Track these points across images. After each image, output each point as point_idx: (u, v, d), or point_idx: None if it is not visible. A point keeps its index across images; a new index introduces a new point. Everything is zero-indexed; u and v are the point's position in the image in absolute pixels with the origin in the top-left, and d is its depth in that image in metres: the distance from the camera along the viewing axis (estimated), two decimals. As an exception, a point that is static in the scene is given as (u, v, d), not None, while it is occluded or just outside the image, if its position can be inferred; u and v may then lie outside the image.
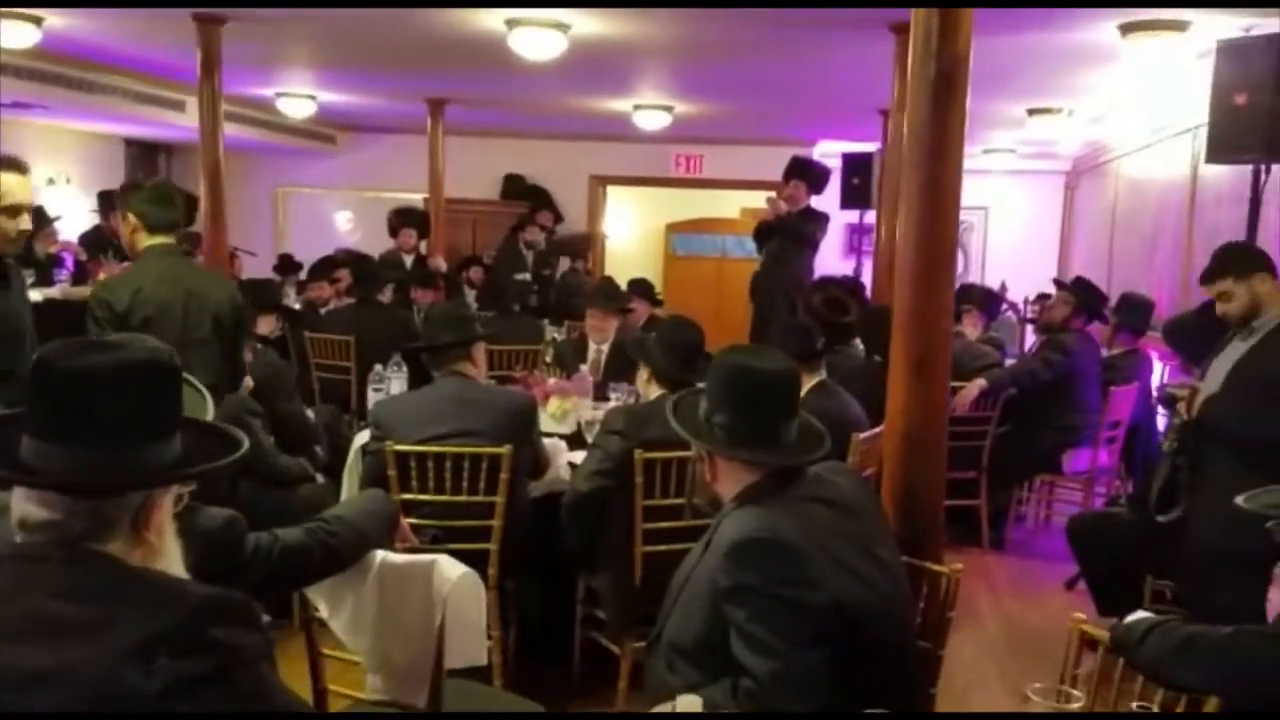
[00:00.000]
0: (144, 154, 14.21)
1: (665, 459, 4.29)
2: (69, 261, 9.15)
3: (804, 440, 2.85)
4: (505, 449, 4.41)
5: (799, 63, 8.40)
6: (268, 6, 7.24)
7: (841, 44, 7.59)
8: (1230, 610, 2.93)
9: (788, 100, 10.48)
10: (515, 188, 14.52)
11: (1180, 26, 6.52)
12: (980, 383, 7.02)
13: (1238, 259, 4.58)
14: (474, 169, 13.79)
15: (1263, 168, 5.65)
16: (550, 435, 5.29)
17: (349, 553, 2.82)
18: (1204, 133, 6.05)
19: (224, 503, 2.63)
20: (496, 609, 4.44)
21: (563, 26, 7.38)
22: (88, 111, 10.62)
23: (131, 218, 4.71)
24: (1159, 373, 8.30)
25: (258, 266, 11.91)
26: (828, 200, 10.04)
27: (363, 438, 5.16)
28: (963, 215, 3.76)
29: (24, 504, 1.77)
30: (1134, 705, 2.81)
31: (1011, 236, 14.39)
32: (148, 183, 4.96)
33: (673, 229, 16.22)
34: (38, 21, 7.89)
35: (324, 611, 2.92)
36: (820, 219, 9.48)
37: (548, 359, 7.35)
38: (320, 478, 5.63)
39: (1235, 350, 4.52)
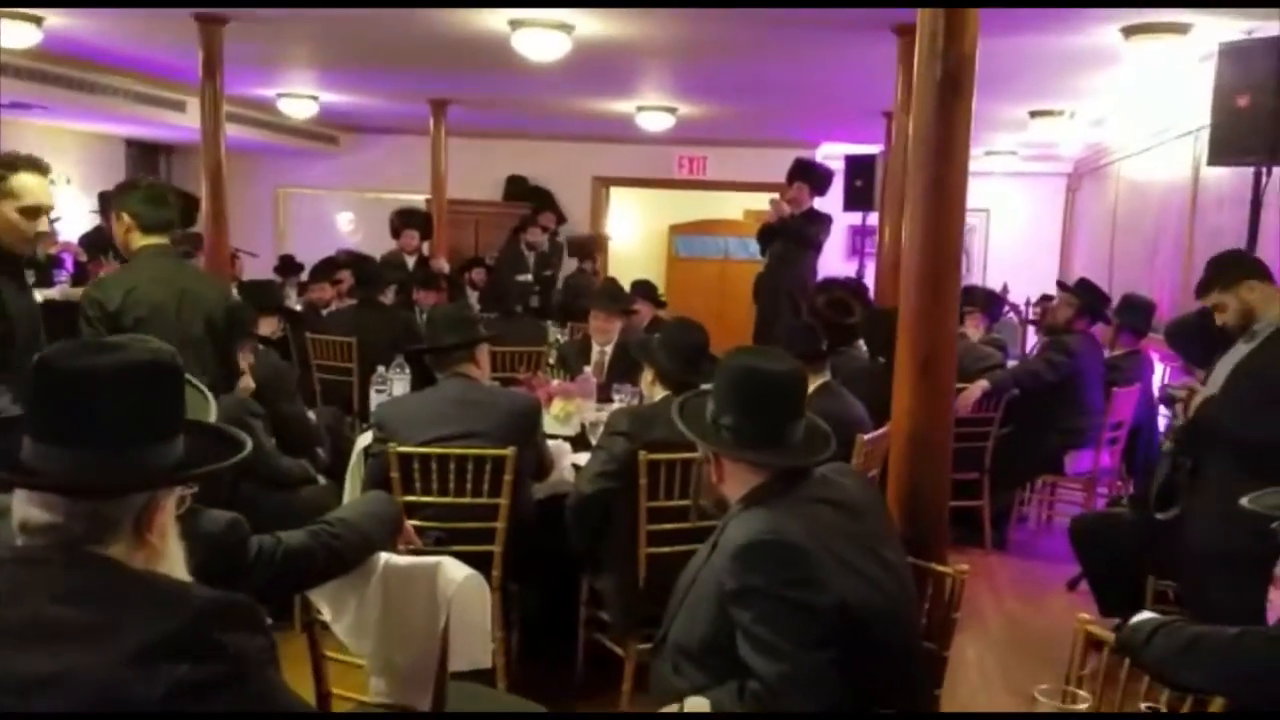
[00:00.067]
0: (145, 154, 14.20)
1: (670, 460, 4.28)
2: (69, 262, 9.16)
3: (810, 441, 2.84)
4: (509, 451, 4.41)
5: (802, 64, 8.39)
6: (270, 6, 7.23)
7: (844, 45, 7.58)
8: (1226, 609, 2.93)
9: (790, 102, 10.47)
10: (518, 189, 14.52)
11: (1182, 29, 6.51)
12: (983, 384, 7.01)
13: (1223, 270, 4.61)
14: (476, 170, 13.78)
15: (1264, 170, 5.65)
16: (554, 437, 5.30)
17: (352, 555, 2.81)
18: (1205, 135, 6.05)
19: (225, 505, 2.62)
20: (500, 611, 4.44)
21: (566, 27, 7.36)
22: (88, 112, 10.62)
23: (125, 217, 4.70)
24: (1160, 374, 8.29)
25: (259, 267, 11.89)
26: (831, 202, 10.04)
27: (365, 439, 5.16)
28: (965, 217, 3.74)
29: (25, 507, 1.76)
30: (1142, 706, 2.80)
31: (1013, 238, 14.38)
32: (142, 182, 4.95)
33: (676, 230, 16.22)
34: (38, 21, 7.89)
35: (327, 614, 2.91)
36: (823, 221, 9.48)
37: (551, 360, 7.35)
38: (322, 480, 5.62)
39: (1237, 353, 4.54)
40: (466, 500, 4.44)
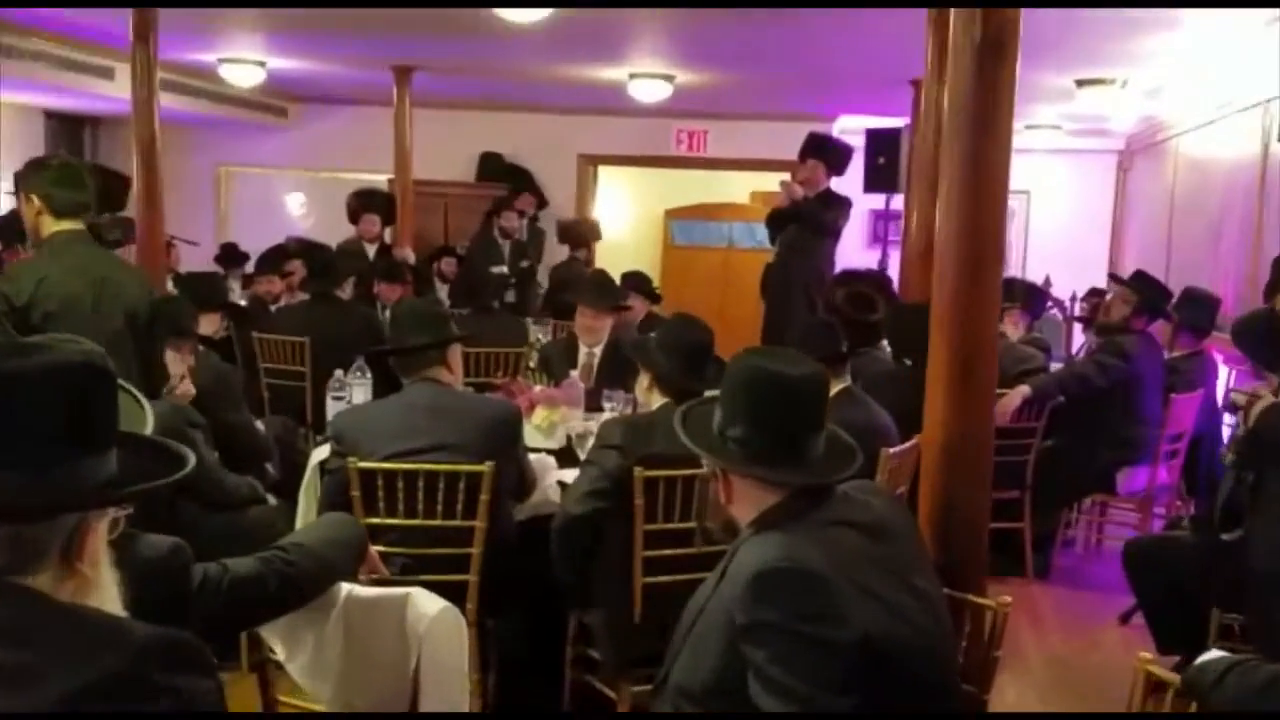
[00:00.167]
0: (67, 128, 14.17)
1: (669, 477, 4.27)
2: (-20, 252, 9.12)
3: (832, 456, 2.85)
4: (486, 466, 4.40)
5: (817, 25, 8.38)
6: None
7: (867, 5, 7.57)
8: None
9: (804, 68, 10.48)
10: (493, 168, 14.51)
11: (1250, -13, 6.52)
12: (1024, 390, 7.00)
13: None
14: (446, 146, 13.77)
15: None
16: (536, 450, 5.29)
17: (309, 585, 2.81)
18: (1276, 106, 6.05)
19: (162, 528, 2.62)
20: (477, 649, 4.41)
21: (548, -18, 7.37)
22: (1, 80, 10.58)
23: (35, 200, 4.69)
24: (1225, 378, 8.30)
25: (198, 257, 11.87)
26: (849, 183, 10.04)
27: (321, 453, 5.14)
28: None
29: (-65, 533, 1.75)
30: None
31: (1056, 224, 14.41)
32: (54, 160, 4.95)
33: (672, 215, 16.19)
34: (-56, -22, 7.87)
35: (280, 653, 2.91)
36: (841, 204, 9.49)
37: (532, 363, 7.33)
38: (272, 499, 5.60)
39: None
40: (438, 523, 4.43)
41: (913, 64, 8.02)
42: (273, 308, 9.04)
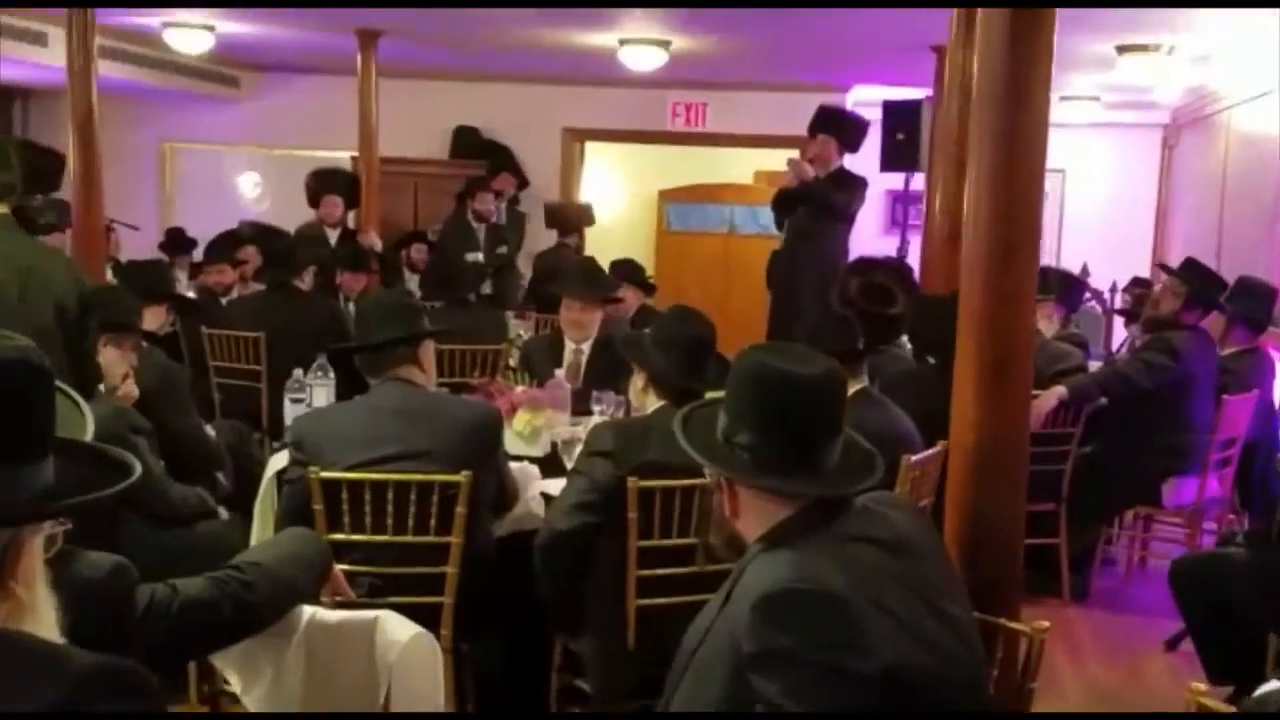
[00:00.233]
0: (-6, 101, 14.18)
1: (667, 488, 4.27)
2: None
3: (849, 464, 2.84)
4: (463, 476, 4.40)
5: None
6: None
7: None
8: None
9: (814, 33, 10.47)
10: (468, 144, 14.50)
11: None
12: (1059, 391, 6.99)
13: None
14: (416, 120, 13.76)
15: None
16: (518, 458, 5.29)
17: (268, 609, 2.80)
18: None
19: (102, 545, 2.61)
20: (453, 678, 4.42)
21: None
22: (-79, 47, 10.58)
23: (-47, 181, 4.68)
24: (1283, 377, 8.31)
25: (141, 244, 11.86)
26: (865, 161, 10.04)
27: (279, 461, 5.14)
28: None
29: None
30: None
31: (1095, 207, 14.43)
32: (-26, 136, 4.93)
33: (667, 197, 16.19)
34: None
35: (235, 683, 2.91)
36: (855, 185, 9.49)
37: (512, 361, 7.32)
38: (224, 513, 5.60)
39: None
40: (409, 539, 4.42)
41: (935, 27, 8.02)
42: (224, 300, 9.02)
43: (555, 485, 4.91)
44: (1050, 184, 14.32)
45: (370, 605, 3.14)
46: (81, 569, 2.41)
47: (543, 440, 5.64)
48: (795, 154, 9.78)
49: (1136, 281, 10.95)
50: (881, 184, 11.80)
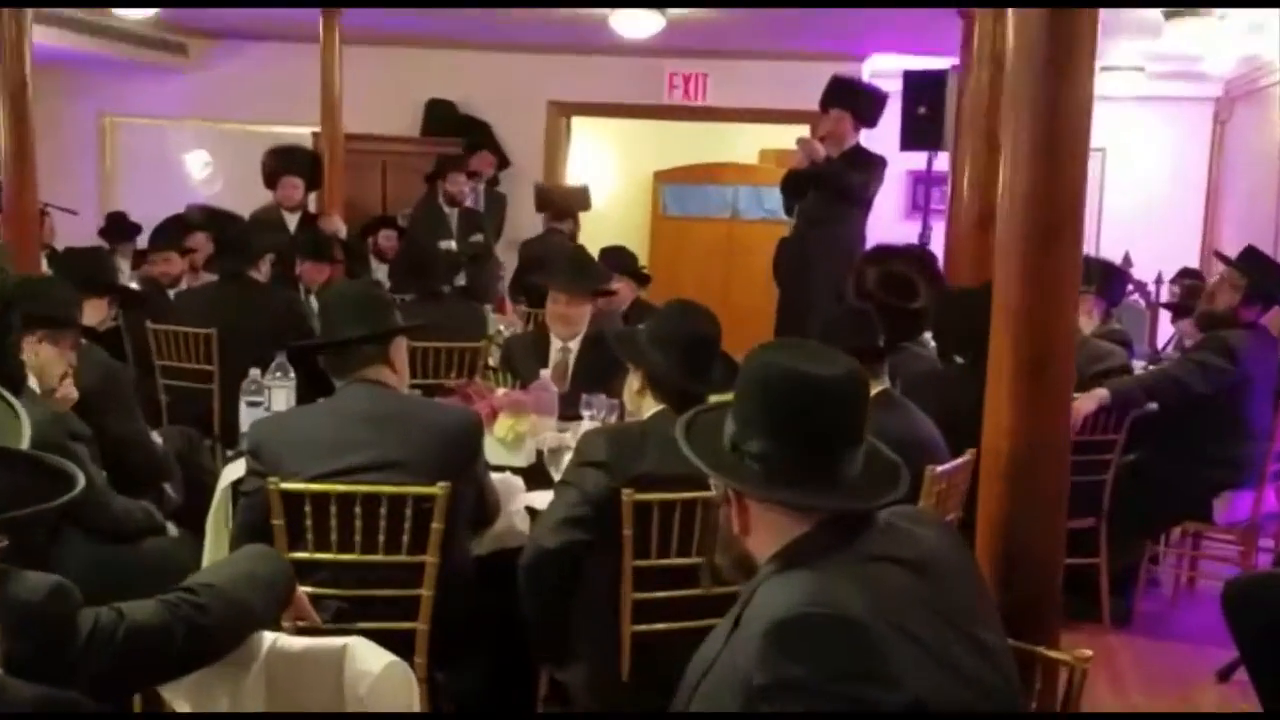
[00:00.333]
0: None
1: (666, 502, 4.28)
2: None
3: (872, 475, 2.84)
4: (439, 488, 4.39)
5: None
6: None
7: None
8: None
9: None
10: (443, 119, 14.49)
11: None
12: (1100, 394, 6.96)
13: None
14: (385, 93, 13.79)
15: None
16: (500, 469, 5.29)
17: (224, 635, 2.80)
18: None
19: (37, 564, 2.61)
20: (428, 710, 4.42)
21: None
22: None
23: None
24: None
25: (79, 229, 11.82)
26: (883, 138, 10.04)
27: (234, 471, 5.13)
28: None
29: None
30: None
31: (1138, 189, 14.42)
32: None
33: (664, 178, 16.22)
34: None
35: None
36: (873, 165, 9.51)
37: (492, 361, 7.32)
38: (173, 528, 5.59)
39: None
40: (380, 558, 4.42)
41: (962, -9, 8.02)
42: (171, 292, 9.01)
43: (541, 498, 4.91)
44: (1089, 164, 14.36)
45: (337, 631, 3.13)
46: (17, 591, 2.41)
47: (527, 448, 5.64)
48: (805, 131, 9.80)
49: (1185, 272, 10.93)
50: (901, 163, 11.78)
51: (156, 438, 6.17)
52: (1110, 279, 8.71)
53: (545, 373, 6.55)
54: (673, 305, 4.91)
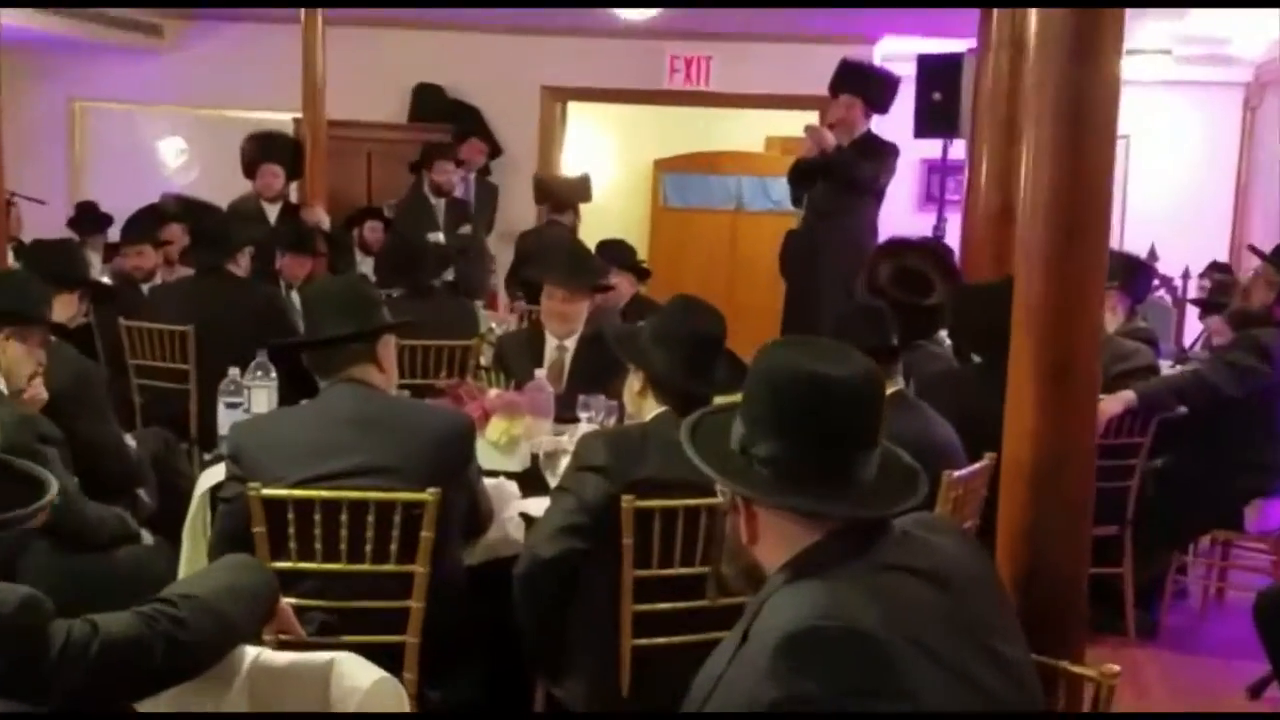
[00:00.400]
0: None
1: (668, 509, 4.28)
2: None
3: (888, 481, 2.84)
4: (430, 494, 4.39)
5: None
6: None
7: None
8: None
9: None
10: (431, 105, 14.47)
11: None
12: (1127, 396, 6.94)
13: None
14: (370, 77, 13.78)
15: None
16: (493, 474, 5.30)
17: (205, 650, 2.80)
18: None
19: (6, 575, 2.61)
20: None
21: None
22: None
23: None
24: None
25: (47, 221, 11.81)
26: (896, 125, 10.04)
27: (212, 477, 5.14)
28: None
29: None
30: None
31: (1164, 179, 14.40)
32: None
33: (665, 167, 16.22)
34: None
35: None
36: (885, 153, 9.51)
37: (484, 360, 7.31)
38: (148, 536, 5.59)
39: None
40: (367, 567, 4.41)
41: (980, -30, 8.03)
42: (145, 287, 9.01)
43: (537, 505, 4.91)
44: (1113, 153, 14.36)
45: (323, 645, 3.13)
46: (-15, 603, 2.41)
47: (521, 452, 5.65)
48: (814, 117, 9.79)
49: (1215, 267, 10.94)
50: (915, 152, 11.79)
51: (130, 441, 6.17)
52: (1135, 274, 8.68)
53: (540, 373, 6.56)
54: (676, 302, 4.91)
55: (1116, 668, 3.14)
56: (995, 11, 7.97)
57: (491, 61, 14.29)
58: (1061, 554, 3.67)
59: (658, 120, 15.75)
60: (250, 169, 11.19)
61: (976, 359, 6.55)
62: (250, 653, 2.88)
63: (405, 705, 2.92)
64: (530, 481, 5.41)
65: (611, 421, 5.68)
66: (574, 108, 15.28)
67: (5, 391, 5.03)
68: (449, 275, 10.76)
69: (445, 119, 14.11)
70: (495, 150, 13.87)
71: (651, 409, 4.61)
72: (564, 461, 4.90)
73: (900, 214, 12.48)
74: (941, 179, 11.96)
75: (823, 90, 9.83)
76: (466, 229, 12.23)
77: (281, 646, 3.01)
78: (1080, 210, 3.58)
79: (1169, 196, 14.24)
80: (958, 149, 10.34)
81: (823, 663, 2.55)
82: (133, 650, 2.65)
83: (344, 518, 4.38)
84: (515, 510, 5.10)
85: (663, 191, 16.19)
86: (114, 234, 10.71)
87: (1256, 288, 7.49)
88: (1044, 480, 3.64)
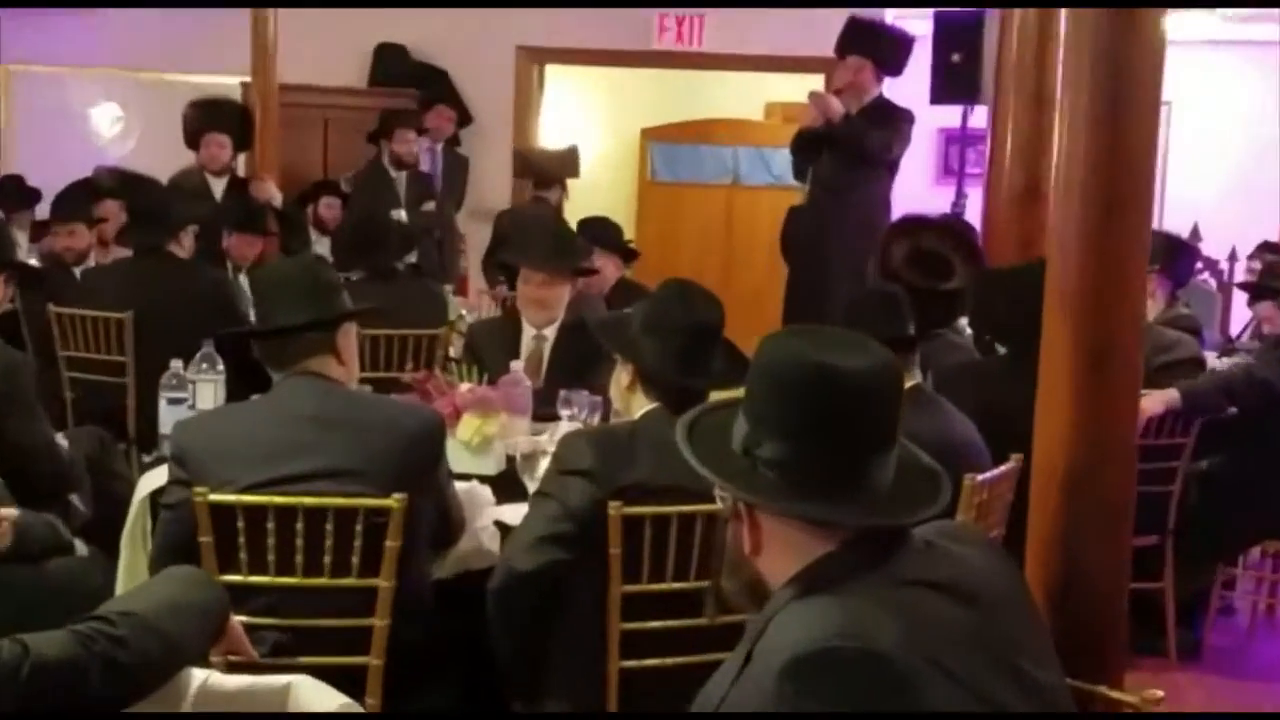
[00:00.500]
0: None
1: (661, 516, 4.29)
2: None
3: (907, 485, 2.83)
4: (395, 499, 4.39)
5: None
6: None
7: None
8: None
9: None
10: (394, 68, 14.47)
11: None
12: (1170, 395, 6.92)
13: None
14: (327, 37, 13.79)
15: None
16: (465, 477, 5.29)
17: (147, 673, 2.80)
18: None
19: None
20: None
21: None
22: None
23: None
24: None
25: (-33, 196, 11.83)
26: (910, 90, 10.06)
27: (154, 480, 5.13)
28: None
29: None
30: None
31: (1208, 149, 14.43)
32: None
33: (653, 137, 16.24)
34: None
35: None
36: (898, 121, 9.53)
37: (454, 351, 7.32)
38: (81, 546, 5.58)
39: None
40: (325, 581, 4.41)
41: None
42: (77, 270, 9.00)
43: (513, 512, 4.92)
44: (1151, 121, 14.37)
45: (278, 668, 3.12)
46: (-95, 621, 2.41)
47: (496, 453, 5.66)
48: (819, 82, 9.80)
49: (1265, 247, 10.94)
50: (932, 120, 11.81)
51: (62, 441, 6.17)
52: (1176, 255, 8.68)
53: (517, 365, 6.56)
54: (668, 287, 4.91)
55: (1160, 693, 3.14)
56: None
57: (461, 19, 14.25)
58: (1099, 566, 3.66)
59: (645, 85, 15.77)
60: (194, 139, 11.19)
61: (1001, 349, 6.55)
62: (198, 676, 2.88)
63: (369, 734, 2.92)
64: (506, 486, 5.42)
65: (596, 419, 5.69)
66: (552, 71, 15.26)
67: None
68: (413, 257, 10.76)
69: (409, 83, 14.09)
70: (465, 118, 13.86)
71: (641, 405, 4.60)
72: (543, 464, 4.91)
73: (915, 189, 12.52)
74: (961, 150, 11.94)
75: (828, 51, 9.85)
76: (430, 205, 12.23)
77: (232, 669, 3.01)
78: (1120, 184, 3.57)
79: (1214, 170, 14.28)
80: (978, 117, 10.35)
81: (835, 687, 2.54)
82: (68, 673, 2.65)
83: (300, 526, 4.37)
84: (489, 518, 5.10)
85: (651, 164, 16.20)
86: (43, 211, 10.71)
87: (1314, 275, 7.50)
88: (1080, 482, 3.63)
